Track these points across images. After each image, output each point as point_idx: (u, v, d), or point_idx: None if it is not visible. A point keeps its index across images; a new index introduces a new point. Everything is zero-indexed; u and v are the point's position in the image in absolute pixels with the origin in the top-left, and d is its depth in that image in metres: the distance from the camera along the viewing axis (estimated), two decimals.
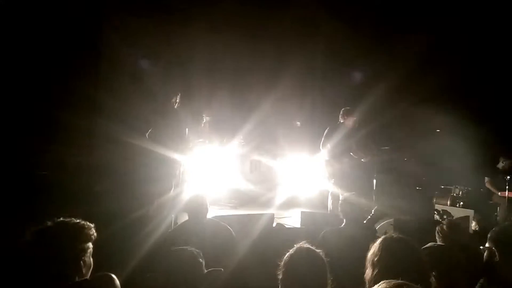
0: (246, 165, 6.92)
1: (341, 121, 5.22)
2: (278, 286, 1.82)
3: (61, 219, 1.71)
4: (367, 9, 6.87)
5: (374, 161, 5.29)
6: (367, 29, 7.06)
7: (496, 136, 6.55)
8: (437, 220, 5.17)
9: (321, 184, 6.08)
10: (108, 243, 2.62)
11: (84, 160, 5.66)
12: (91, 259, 1.75)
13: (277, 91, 7.26)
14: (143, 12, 6.54)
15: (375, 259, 1.67)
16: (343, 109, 5.27)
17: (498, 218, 5.82)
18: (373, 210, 4.27)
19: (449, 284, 1.91)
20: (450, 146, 6.47)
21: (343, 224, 3.33)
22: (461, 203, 6.03)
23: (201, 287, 1.87)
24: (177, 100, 4.72)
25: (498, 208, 5.92)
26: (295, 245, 1.92)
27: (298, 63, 7.59)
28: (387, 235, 1.85)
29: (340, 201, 3.48)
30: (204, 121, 5.95)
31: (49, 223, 1.69)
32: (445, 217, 5.16)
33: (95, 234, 1.75)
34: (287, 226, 4.69)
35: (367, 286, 1.68)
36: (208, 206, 3.29)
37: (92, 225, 1.76)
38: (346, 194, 3.62)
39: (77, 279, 1.66)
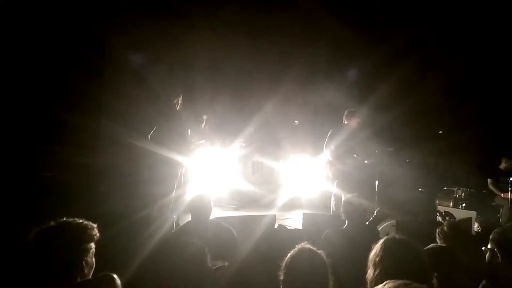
0: (248, 166, 6.93)
1: (345, 122, 5.23)
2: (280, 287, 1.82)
3: (64, 219, 1.71)
4: (367, 10, 6.88)
5: (377, 162, 5.29)
6: (368, 30, 7.07)
7: (499, 136, 6.54)
8: (439, 221, 5.16)
9: (323, 186, 6.08)
10: (113, 243, 2.62)
11: (89, 161, 5.70)
12: (94, 259, 1.75)
13: (278, 93, 7.28)
14: (147, 15, 6.60)
15: (377, 259, 1.68)
16: (347, 110, 5.28)
17: (501, 219, 5.80)
18: (375, 212, 4.26)
19: (451, 285, 1.90)
20: (453, 147, 6.46)
21: (345, 225, 3.32)
22: (464, 204, 6.01)
23: (206, 284, 1.87)
24: (179, 102, 4.74)
25: (501, 209, 5.90)
26: (296, 246, 1.92)
27: (300, 65, 7.61)
28: (389, 236, 1.84)
29: (342, 202, 3.48)
30: (204, 122, 5.96)
31: (52, 223, 1.69)
32: (447, 218, 5.15)
33: (97, 234, 1.75)
34: (289, 228, 4.68)
35: (368, 286, 1.68)
36: (212, 206, 3.27)
37: (95, 226, 1.75)
38: (349, 195, 3.62)
39: (79, 279, 1.66)
